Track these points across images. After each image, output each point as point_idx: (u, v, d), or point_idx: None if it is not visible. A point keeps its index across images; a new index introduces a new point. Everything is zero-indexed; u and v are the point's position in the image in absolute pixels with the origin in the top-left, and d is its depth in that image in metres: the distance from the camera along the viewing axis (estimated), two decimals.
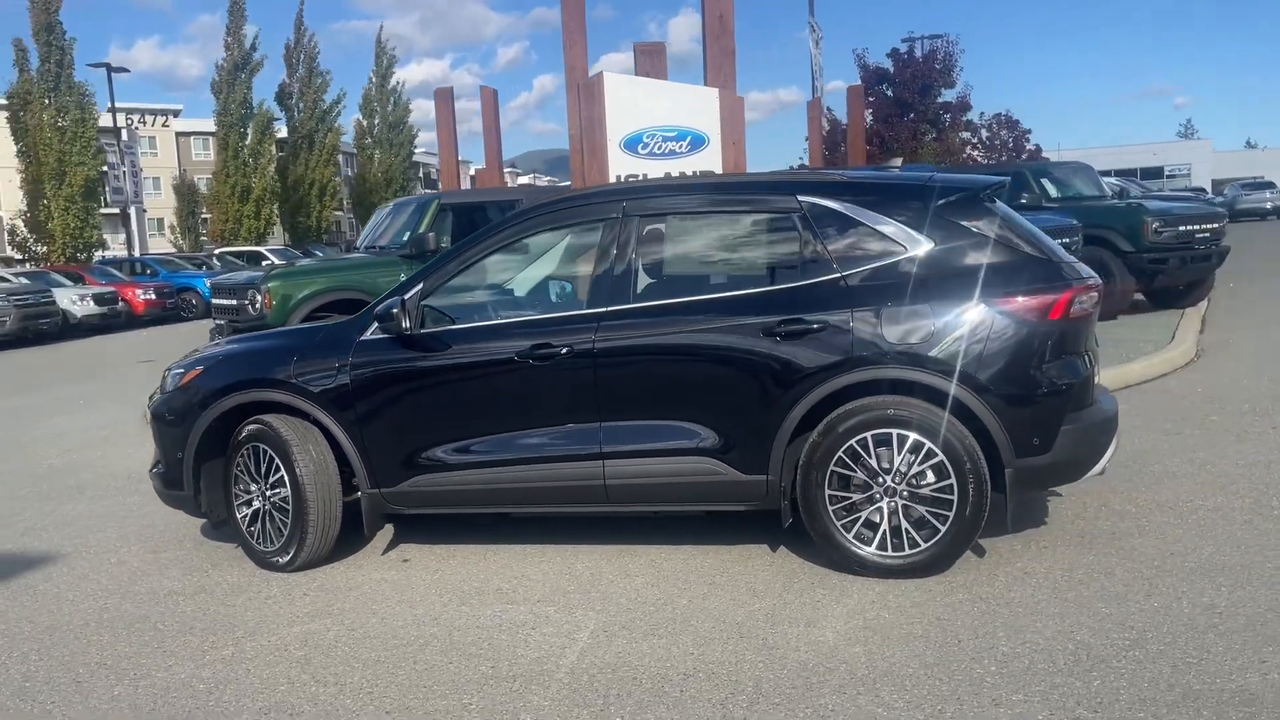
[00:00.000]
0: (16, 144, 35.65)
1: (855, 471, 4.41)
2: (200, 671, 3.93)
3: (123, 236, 59.10)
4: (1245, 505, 5.19)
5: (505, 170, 17.55)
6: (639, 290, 4.70)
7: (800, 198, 4.64)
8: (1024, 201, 13.13)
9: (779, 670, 3.61)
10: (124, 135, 38.15)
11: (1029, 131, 38.76)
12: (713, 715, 3.31)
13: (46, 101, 35.46)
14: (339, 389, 4.94)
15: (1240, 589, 4.07)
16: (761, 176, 5.43)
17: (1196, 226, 12.88)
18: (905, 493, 4.37)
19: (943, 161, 29.57)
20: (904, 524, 4.38)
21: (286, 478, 4.96)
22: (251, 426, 5.08)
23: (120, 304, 25.61)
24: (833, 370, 4.38)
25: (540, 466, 4.76)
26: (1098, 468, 4.51)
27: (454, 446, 4.86)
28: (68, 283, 26.15)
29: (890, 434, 4.35)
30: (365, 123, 56.66)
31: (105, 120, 38.15)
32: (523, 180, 78.59)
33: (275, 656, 4.03)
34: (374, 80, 56.60)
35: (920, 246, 4.46)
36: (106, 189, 38.19)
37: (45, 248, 35.90)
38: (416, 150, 61.35)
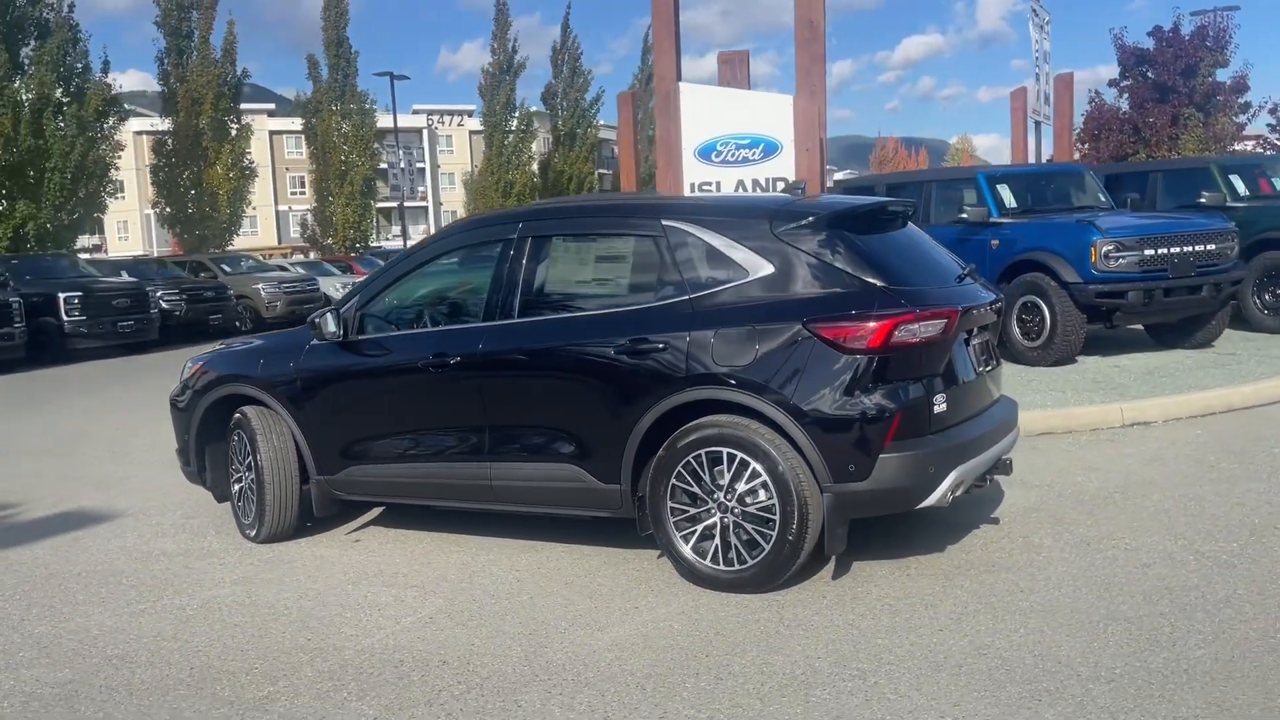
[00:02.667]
0: (308, 147, 40.19)
1: (694, 487, 4.57)
2: (105, 620, 4.70)
3: (420, 228, 64.23)
4: (1170, 548, 4.83)
5: None
6: (521, 306, 5.06)
7: (664, 221, 4.82)
8: (1202, 200, 12.05)
9: (521, 667, 3.90)
10: (424, 135, 42.09)
11: None
12: (420, 700, 3.67)
13: (334, 108, 39.68)
14: (291, 387, 5.63)
15: (1038, 633, 3.91)
16: (638, 199, 5.63)
17: None
18: (737, 510, 4.49)
19: (1208, 149, 26.90)
20: (733, 540, 4.50)
21: (253, 462, 5.71)
22: (237, 415, 5.87)
23: None
24: (670, 389, 4.57)
25: (440, 464, 5.25)
26: (933, 498, 4.40)
27: (376, 442, 5.43)
28: (336, 272, 29.24)
29: (721, 453, 4.49)
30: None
31: (386, 121, 42.11)
32: None
33: (169, 615, 4.74)
34: (639, 80, 58.29)
35: (761, 271, 4.54)
36: (387, 185, 42.20)
37: (330, 240, 40.27)
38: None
